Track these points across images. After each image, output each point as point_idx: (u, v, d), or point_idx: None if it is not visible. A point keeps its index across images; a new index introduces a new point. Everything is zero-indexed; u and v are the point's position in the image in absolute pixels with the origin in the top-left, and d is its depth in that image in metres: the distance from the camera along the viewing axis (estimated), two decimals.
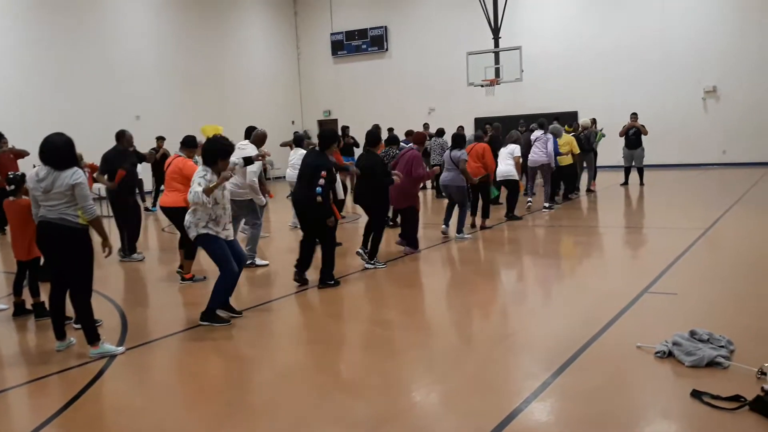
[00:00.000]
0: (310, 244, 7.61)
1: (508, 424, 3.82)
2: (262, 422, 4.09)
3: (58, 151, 5.19)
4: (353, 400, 4.36)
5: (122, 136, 9.60)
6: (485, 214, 11.12)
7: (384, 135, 13.70)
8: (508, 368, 4.88)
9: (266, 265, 8.83)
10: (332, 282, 7.47)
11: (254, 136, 8.98)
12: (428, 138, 15.80)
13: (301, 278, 7.57)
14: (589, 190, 15.88)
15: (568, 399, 4.18)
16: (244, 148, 8.55)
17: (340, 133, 15.95)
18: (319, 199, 7.08)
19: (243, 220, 8.88)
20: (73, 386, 4.74)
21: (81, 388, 4.70)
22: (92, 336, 5.34)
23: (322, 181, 7.09)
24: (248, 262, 8.48)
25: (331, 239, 7.47)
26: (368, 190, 8.41)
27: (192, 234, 6.07)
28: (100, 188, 14.44)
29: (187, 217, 6.10)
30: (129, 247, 9.73)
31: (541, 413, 4.00)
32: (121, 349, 5.47)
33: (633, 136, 16.53)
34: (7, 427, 4.23)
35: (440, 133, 16.39)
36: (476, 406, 4.14)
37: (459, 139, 10.18)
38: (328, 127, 8.07)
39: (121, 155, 9.51)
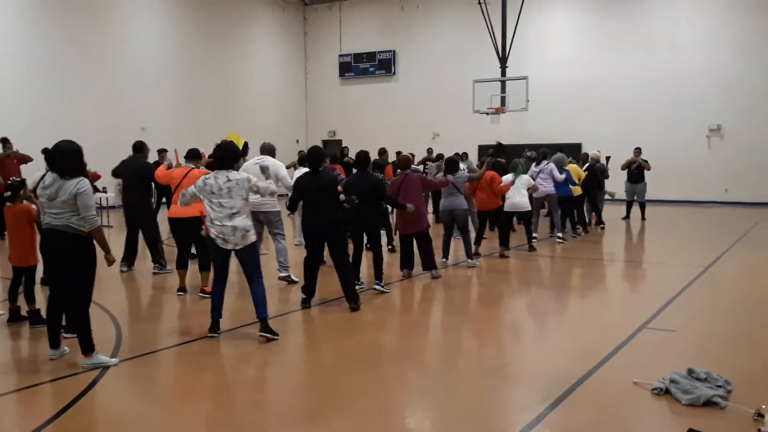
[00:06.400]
0: (317, 265, 7.43)
1: None
2: None
3: (65, 159, 5.16)
4: (346, 425, 4.31)
5: (142, 148, 9.69)
6: (504, 243, 11.05)
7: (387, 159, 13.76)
8: (502, 399, 4.85)
9: (297, 281, 8.49)
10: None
11: (266, 149, 8.83)
12: (431, 162, 15.86)
13: (308, 305, 7.44)
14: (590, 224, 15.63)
15: None
16: (261, 161, 8.34)
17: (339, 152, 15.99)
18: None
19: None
20: (64, 396, 4.71)
21: (72, 398, 4.66)
22: (87, 346, 5.30)
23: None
24: (284, 275, 8.65)
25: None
26: (371, 215, 8.14)
27: (252, 239, 6.13)
28: (99, 198, 14.48)
29: (248, 222, 6.10)
30: (156, 258, 9.49)
31: None
32: (114, 360, 5.43)
33: (635, 171, 16.52)
34: None
35: (440, 157, 16.34)
36: None
37: (452, 164, 10.02)
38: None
39: (141, 165, 9.57)
